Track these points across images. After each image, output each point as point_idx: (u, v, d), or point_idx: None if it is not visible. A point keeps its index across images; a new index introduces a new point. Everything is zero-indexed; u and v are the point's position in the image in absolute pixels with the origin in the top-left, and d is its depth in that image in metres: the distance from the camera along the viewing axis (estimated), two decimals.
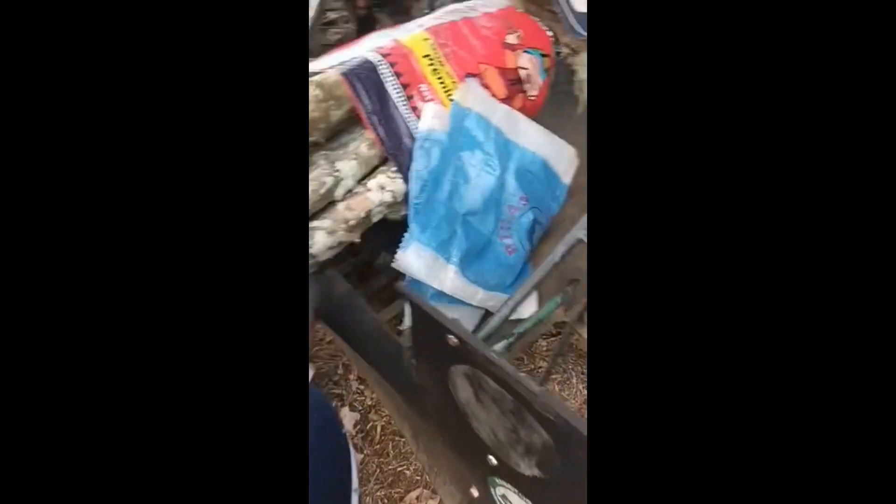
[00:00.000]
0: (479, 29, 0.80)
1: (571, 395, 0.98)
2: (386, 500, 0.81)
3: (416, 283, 0.64)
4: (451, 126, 0.70)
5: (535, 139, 0.78)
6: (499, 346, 0.62)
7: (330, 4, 1.01)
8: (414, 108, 0.69)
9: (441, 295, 0.65)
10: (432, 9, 0.95)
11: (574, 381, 1.00)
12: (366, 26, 1.06)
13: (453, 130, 0.70)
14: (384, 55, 0.68)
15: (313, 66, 0.73)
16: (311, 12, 0.92)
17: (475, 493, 0.55)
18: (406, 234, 0.63)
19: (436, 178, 0.67)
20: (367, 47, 0.72)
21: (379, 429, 0.88)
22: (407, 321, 0.64)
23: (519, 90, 0.82)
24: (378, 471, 0.84)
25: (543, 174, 0.78)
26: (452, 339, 0.38)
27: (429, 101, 0.71)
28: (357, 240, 0.63)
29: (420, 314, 0.40)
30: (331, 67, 0.65)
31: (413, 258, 0.61)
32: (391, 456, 0.86)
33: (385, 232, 0.66)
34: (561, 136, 0.80)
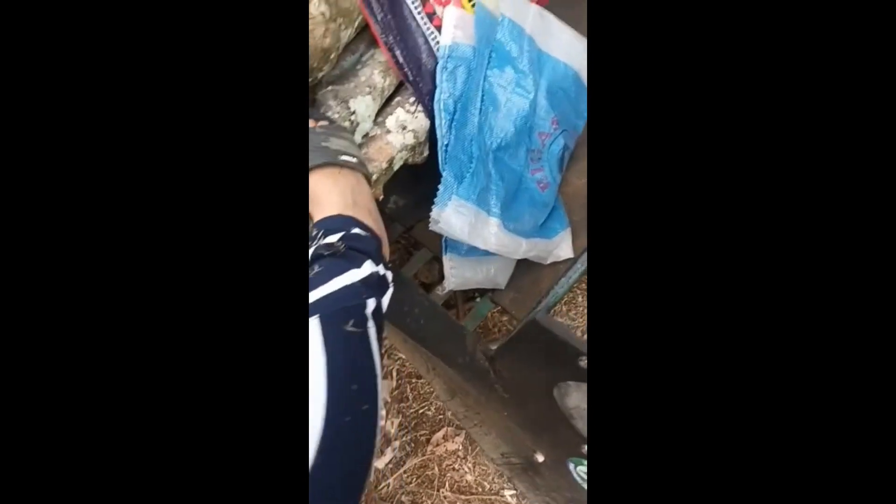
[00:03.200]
0: None
1: (578, 315, 0.97)
2: (413, 444, 0.79)
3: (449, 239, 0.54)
4: (476, 37, 0.56)
5: (566, 45, 0.65)
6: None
7: None
8: (431, 15, 0.54)
9: (473, 248, 0.57)
10: None
11: (580, 298, 0.98)
12: None
13: (480, 42, 0.56)
14: None
15: None
16: None
17: (540, 458, 0.53)
18: (440, 186, 0.52)
19: (464, 106, 0.55)
20: None
21: (395, 373, 0.84)
22: (450, 283, 0.56)
23: None
24: (401, 416, 0.81)
25: (574, 89, 0.67)
26: (583, 362, 0.31)
27: (446, 3, 0.55)
28: (381, 196, 0.52)
29: (538, 329, 0.32)
30: None
31: (453, 216, 0.51)
32: (411, 399, 0.83)
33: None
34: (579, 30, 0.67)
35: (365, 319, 0.34)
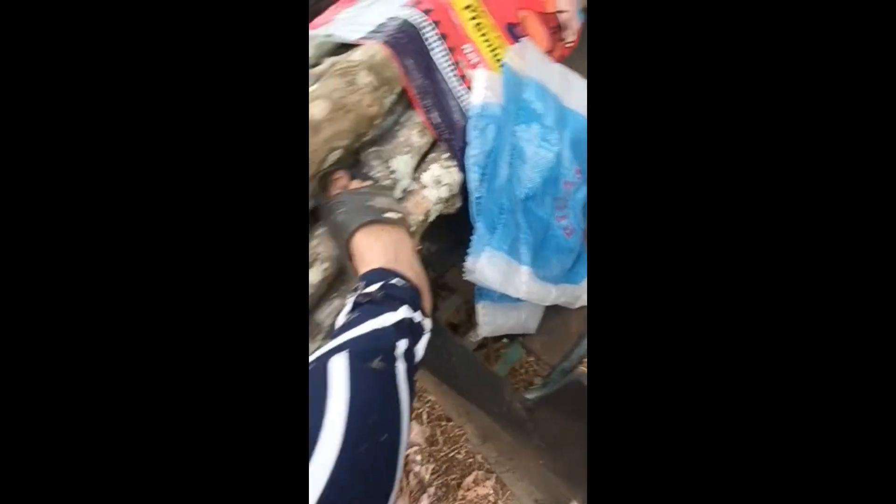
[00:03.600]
0: None
1: None
2: (444, 488, 0.79)
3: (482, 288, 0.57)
4: (504, 96, 0.59)
5: (584, 98, 0.68)
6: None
7: None
8: (462, 78, 0.57)
9: (504, 295, 0.58)
10: None
11: None
12: None
13: (508, 101, 0.59)
14: (425, 11, 0.54)
15: (327, 29, 0.59)
16: None
17: None
18: (474, 237, 0.54)
19: (494, 160, 0.58)
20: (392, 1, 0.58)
21: (425, 416, 0.85)
22: (483, 330, 0.58)
23: (559, 38, 0.70)
24: (430, 459, 0.81)
25: None
26: None
27: (476, 65, 0.59)
28: (419, 246, 0.54)
29: (579, 388, 0.33)
30: (364, 35, 0.52)
31: (487, 266, 0.53)
32: (441, 442, 0.83)
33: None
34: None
35: (393, 359, 0.36)
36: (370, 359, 0.34)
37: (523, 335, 0.63)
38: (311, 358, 0.35)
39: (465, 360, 0.51)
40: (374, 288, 0.40)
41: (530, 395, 0.47)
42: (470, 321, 0.90)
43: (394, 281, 0.41)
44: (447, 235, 0.67)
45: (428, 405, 0.85)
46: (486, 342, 0.78)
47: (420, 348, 0.40)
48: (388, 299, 0.39)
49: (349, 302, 0.41)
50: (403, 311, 0.39)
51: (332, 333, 0.38)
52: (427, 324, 0.42)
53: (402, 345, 0.37)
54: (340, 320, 0.40)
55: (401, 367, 0.36)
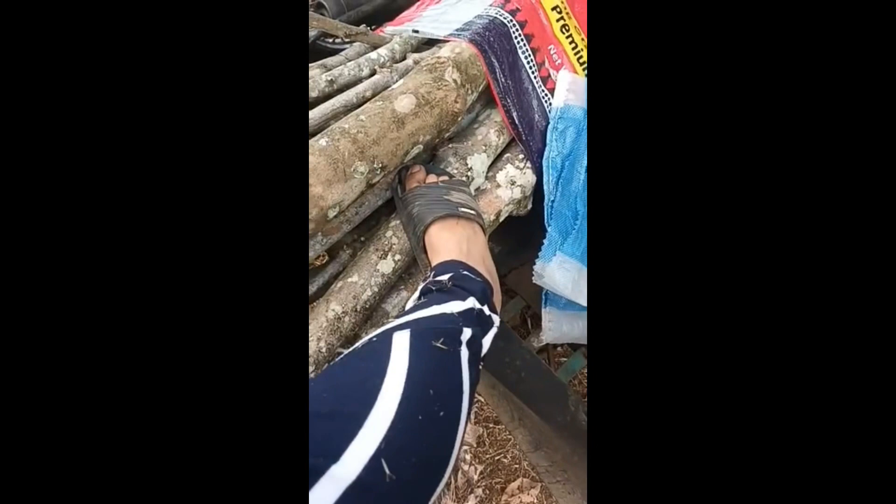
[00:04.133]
0: None
1: None
2: (488, 491, 0.79)
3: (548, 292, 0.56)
4: (586, 100, 0.58)
5: None
6: None
7: None
8: (545, 79, 0.57)
9: (571, 302, 0.57)
10: None
11: None
12: None
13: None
14: (511, 12, 0.54)
15: (413, 25, 0.59)
16: None
17: None
18: (546, 241, 0.53)
19: (571, 164, 0.57)
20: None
21: (473, 416, 0.84)
22: (548, 336, 0.57)
23: None
24: (476, 460, 0.81)
25: None
26: None
27: (559, 66, 0.58)
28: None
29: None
30: (451, 32, 0.52)
31: (557, 271, 0.52)
32: (487, 444, 0.83)
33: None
34: None
35: (458, 343, 0.35)
36: (433, 338, 0.34)
37: (586, 345, 0.61)
38: (374, 333, 0.35)
39: (530, 365, 0.50)
40: (444, 277, 0.40)
41: None
42: (525, 326, 0.89)
43: (465, 272, 0.41)
44: (511, 237, 0.67)
45: (477, 405, 0.85)
46: (546, 349, 0.77)
47: (487, 341, 0.39)
48: (457, 289, 0.39)
49: (418, 289, 0.41)
50: (471, 302, 0.39)
51: (398, 315, 0.39)
52: (495, 319, 0.42)
53: (467, 332, 0.36)
54: (408, 306, 0.40)
55: (464, 353, 0.35)
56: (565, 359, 0.68)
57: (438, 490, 0.30)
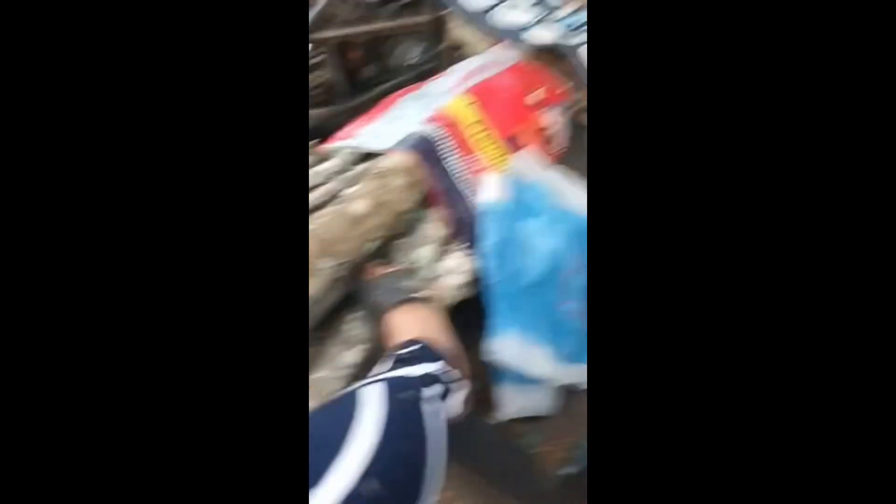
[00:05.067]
0: (505, 88, 0.78)
1: None
2: None
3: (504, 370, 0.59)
4: (512, 195, 0.67)
5: (578, 198, 0.77)
6: None
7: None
8: (474, 180, 0.65)
9: (520, 377, 0.61)
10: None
11: None
12: (355, 81, 1.01)
13: (513, 201, 0.67)
14: (441, 127, 0.64)
15: (352, 142, 0.67)
16: None
17: None
18: (495, 319, 0.58)
19: (505, 250, 0.64)
20: (408, 116, 0.68)
21: None
22: (505, 412, 0.60)
23: (548, 149, 0.81)
24: None
25: None
26: None
27: (485, 170, 0.68)
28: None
29: None
30: (392, 145, 0.61)
31: (507, 347, 0.57)
32: None
33: None
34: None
35: (418, 399, 0.37)
36: (398, 391, 0.36)
37: (541, 417, 0.64)
38: (342, 392, 0.37)
39: (491, 440, 0.52)
40: (405, 350, 0.43)
41: (562, 472, 0.47)
42: (478, 405, 0.89)
43: (424, 345, 0.44)
44: (456, 321, 0.71)
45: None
46: (501, 425, 0.77)
47: (454, 400, 0.42)
48: (417, 359, 0.43)
49: (382, 363, 0.43)
50: (433, 367, 0.42)
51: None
52: (463, 383, 0.44)
53: (427, 391, 0.39)
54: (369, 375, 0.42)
55: (427, 407, 0.37)
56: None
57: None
